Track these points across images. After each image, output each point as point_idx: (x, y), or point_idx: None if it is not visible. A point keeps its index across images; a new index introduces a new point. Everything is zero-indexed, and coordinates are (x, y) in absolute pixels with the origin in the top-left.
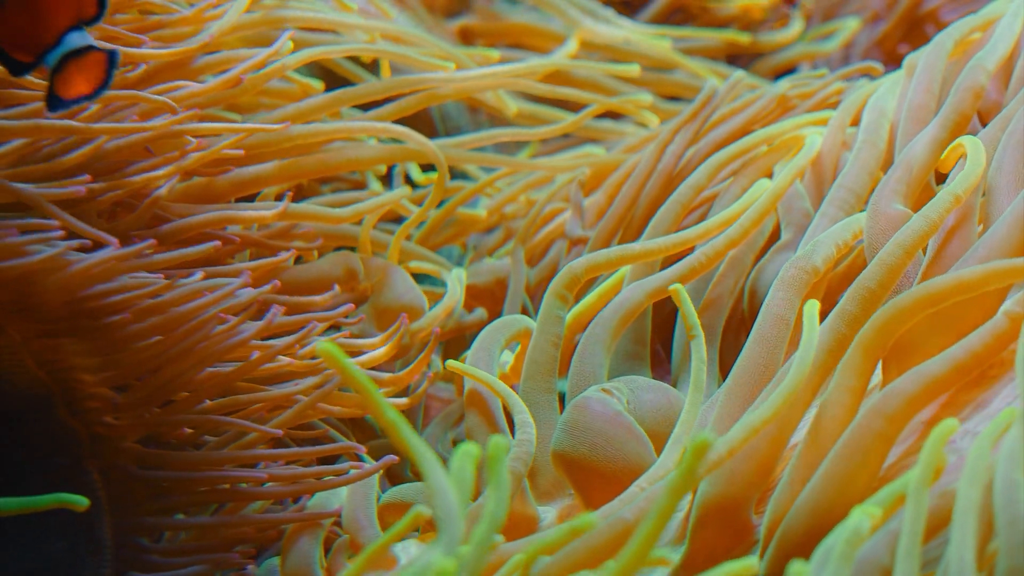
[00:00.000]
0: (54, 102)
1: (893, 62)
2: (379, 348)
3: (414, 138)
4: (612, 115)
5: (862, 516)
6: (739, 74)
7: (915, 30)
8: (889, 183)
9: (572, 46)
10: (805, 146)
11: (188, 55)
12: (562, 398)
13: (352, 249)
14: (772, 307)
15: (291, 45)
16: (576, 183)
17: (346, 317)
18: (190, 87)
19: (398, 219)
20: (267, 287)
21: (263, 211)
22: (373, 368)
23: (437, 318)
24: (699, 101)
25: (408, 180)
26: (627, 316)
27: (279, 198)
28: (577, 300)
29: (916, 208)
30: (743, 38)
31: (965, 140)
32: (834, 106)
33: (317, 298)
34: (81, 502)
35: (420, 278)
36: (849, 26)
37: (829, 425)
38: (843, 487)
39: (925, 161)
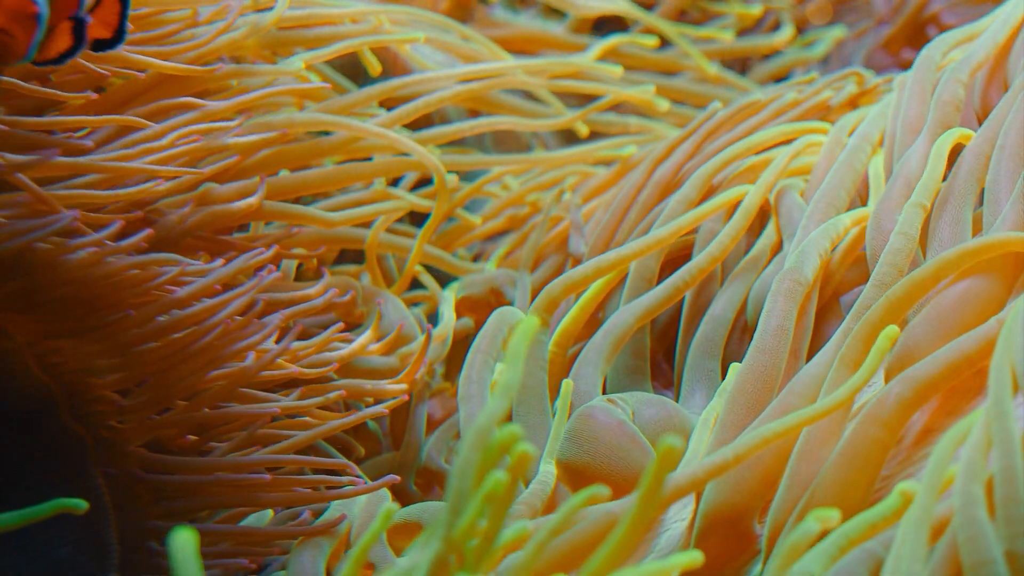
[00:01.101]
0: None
1: (898, 66)
2: (365, 332)
3: (415, 149)
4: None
5: (811, 523)
6: (754, 97)
7: (919, 34)
8: (891, 197)
9: (592, 54)
10: (771, 164)
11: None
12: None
13: (359, 254)
14: (772, 318)
15: (301, 64)
16: (574, 202)
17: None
18: (207, 107)
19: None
20: (256, 279)
21: (249, 199)
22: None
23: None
24: (699, 119)
25: (427, 181)
26: (619, 340)
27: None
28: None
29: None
30: (743, 44)
31: (932, 148)
32: (824, 109)
33: (310, 290)
34: (80, 506)
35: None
36: (832, 35)
37: (822, 436)
38: (841, 496)
39: (919, 174)
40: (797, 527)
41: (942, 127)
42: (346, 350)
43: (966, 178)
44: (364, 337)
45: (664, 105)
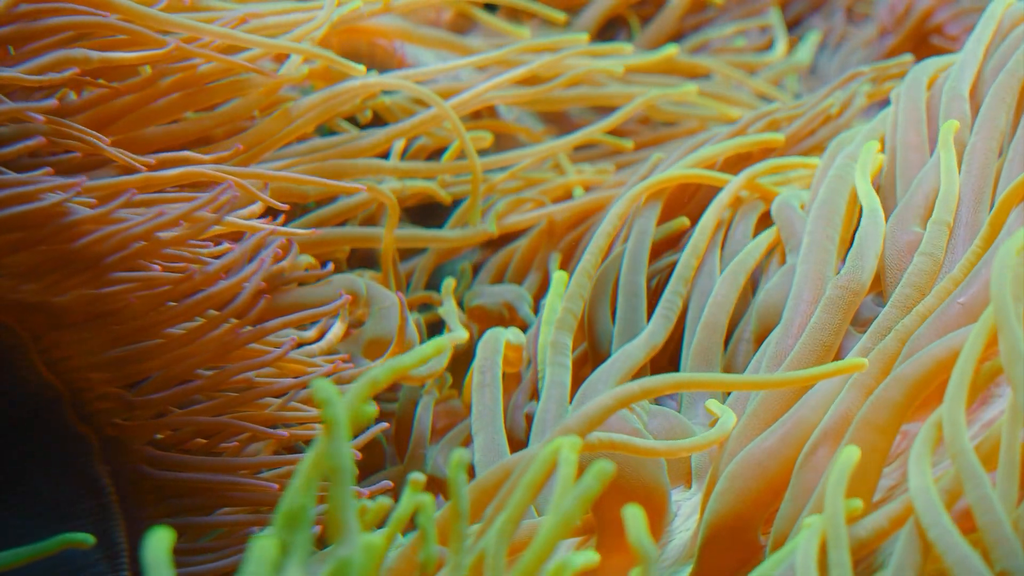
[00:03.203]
0: None
1: (902, 76)
2: (334, 323)
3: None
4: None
5: None
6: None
7: (924, 44)
8: (910, 209)
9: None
10: (725, 188)
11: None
12: None
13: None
14: (818, 332)
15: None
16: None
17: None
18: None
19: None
20: (259, 260)
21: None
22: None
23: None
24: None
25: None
26: (624, 379)
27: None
28: None
29: None
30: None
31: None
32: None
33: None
34: (87, 540)
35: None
36: (811, 38)
37: (827, 446)
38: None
39: (936, 189)
40: None
41: (956, 143)
42: (322, 343)
43: (976, 186)
44: (337, 327)
45: (619, 68)
